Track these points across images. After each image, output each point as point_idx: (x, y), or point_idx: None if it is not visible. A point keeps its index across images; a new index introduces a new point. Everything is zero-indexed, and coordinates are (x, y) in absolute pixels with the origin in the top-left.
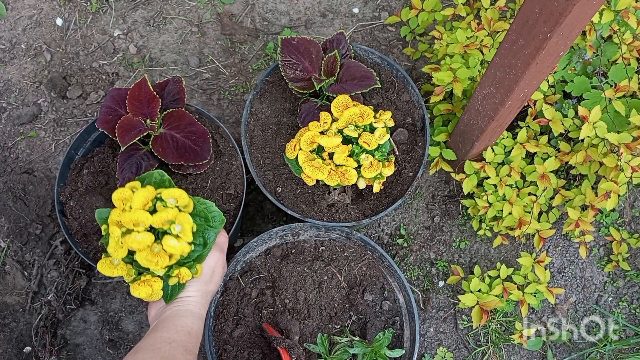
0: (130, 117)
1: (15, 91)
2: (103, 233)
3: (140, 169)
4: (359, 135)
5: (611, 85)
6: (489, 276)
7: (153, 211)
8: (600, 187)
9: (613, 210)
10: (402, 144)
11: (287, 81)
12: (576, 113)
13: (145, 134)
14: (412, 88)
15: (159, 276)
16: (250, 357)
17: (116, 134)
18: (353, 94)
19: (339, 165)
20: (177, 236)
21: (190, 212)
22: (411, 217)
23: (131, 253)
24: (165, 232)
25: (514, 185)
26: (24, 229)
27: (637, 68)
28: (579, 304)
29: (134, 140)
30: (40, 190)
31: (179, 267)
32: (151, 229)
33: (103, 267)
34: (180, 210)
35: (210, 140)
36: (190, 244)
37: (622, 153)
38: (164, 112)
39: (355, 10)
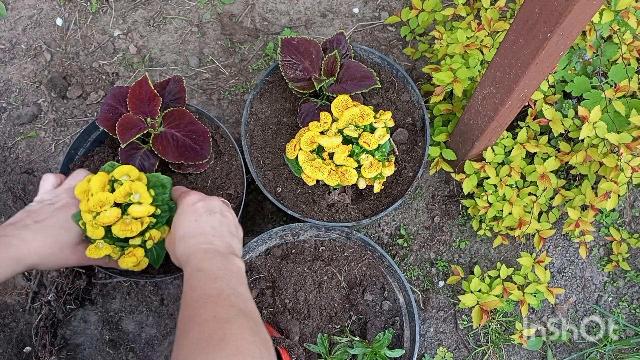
0: (131, 115)
1: (15, 91)
2: (81, 227)
3: (142, 169)
4: (359, 135)
5: (611, 85)
6: (489, 276)
7: (113, 192)
8: (600, 187)
9: (613, 210)
10: (402, 144)
11: (287, 81)
12: (576, 113)
13: (145, 132)
14: (412, 88)
15: (139, 246)
16: None
17: (116, 132)
18: (353, 94)
19: (339, 165)
20: (139, 203)
21: (146, 183)
22: (411, 217)
23: (109, 232)
24: (128, 205)
25: (514, 185)
26: None
27: (637, 68)
28: (579, 304)
29: (134, 138)
30: None
31: (149, 230)
32: (116, 206)
33: (91, 252)
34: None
35: (211, 139)
36: (153, 205)
37: (622, 153)
38: (165, 111)
39: (355, 10)
